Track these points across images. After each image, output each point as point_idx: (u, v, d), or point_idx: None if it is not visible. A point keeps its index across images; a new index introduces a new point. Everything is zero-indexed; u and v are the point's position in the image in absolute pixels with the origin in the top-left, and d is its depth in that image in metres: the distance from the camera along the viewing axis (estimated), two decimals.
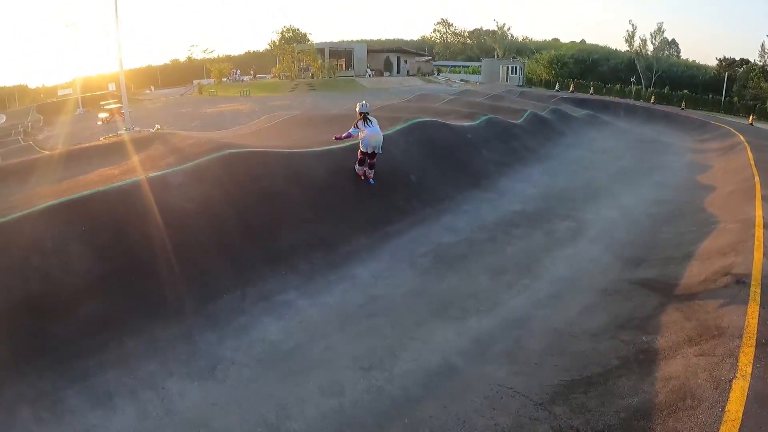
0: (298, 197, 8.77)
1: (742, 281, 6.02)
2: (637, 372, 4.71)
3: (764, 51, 54.07)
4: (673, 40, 69.99)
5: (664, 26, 63.14)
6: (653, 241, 8.71)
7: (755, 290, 5.73)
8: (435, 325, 5.98)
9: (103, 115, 32.22)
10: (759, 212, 8.78)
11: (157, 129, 21.14)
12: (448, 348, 5.55)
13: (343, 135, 9.48)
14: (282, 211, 8.33)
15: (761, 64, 52.84)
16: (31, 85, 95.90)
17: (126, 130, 21.58)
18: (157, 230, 6.83)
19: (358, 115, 9.31)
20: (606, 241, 8.76)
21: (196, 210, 7.54)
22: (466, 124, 15.64)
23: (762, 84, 48.00)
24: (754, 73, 49.92)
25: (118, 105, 31.38)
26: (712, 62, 65.19)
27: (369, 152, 9.35)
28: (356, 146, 9.61)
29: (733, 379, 4.20)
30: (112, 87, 56.30)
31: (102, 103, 39.86)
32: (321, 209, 8.73)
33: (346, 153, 10.38)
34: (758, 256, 6.66)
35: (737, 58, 57.85)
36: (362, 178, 9.80)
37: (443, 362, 5.34)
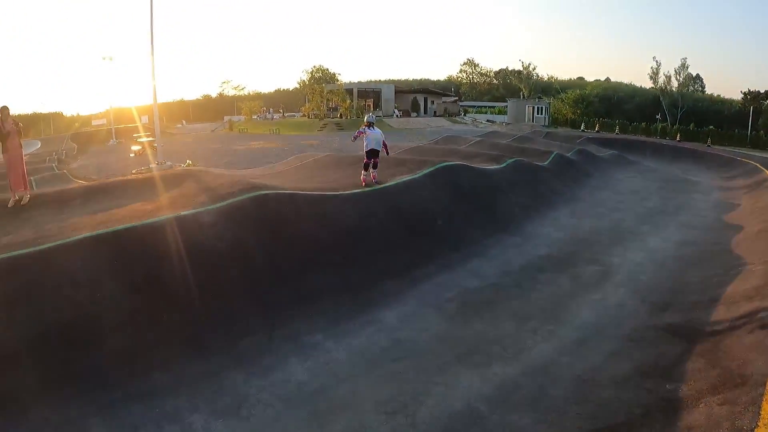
0: (326, 240, 9.08)
1: (767, 326, 6.04)
2: (660, 421, 4.77)
3: None
4: (698, 75, 70.08)
5: (688, 62, 63.01)
6: (679, 284, 8.73)
7: None
8: (459, 370, 6.11)
9: (135, 147, 33.36)
10: None
11: (188, 164, 21.78)
12: (472, 394, 5.67)
13: (356, 133, 12.20)
14: (310, 253, 8.61)
15: None
16: (66, 113, 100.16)
17: (158, 164, 22.27)
18: (188, 267, 7.17)
19: (365, 123, 12.20)
20: (632, 285, 8.82)
21: (226, 249, 7.87)
22: (492, 167, 15.93)
23: None
24: None
25: (151, 139, 32.44)
26: (737, 96, 64.68)
27: (372, 150, 11.84)
28: (385, 195, 10.10)
29: (755, 428, 4.25)
30: (144, 120, 58.26)
31: (135, 135, 41.35)
32: (349, 252, 9.01)
33: (374, 198, 10.75)
34: None
35: (762, 91, 57.27)
36: (364, 184, 11.60)
37: (467, 408, 5.46)
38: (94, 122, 69.11)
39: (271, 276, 7.84)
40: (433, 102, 74.76)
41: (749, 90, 58.79)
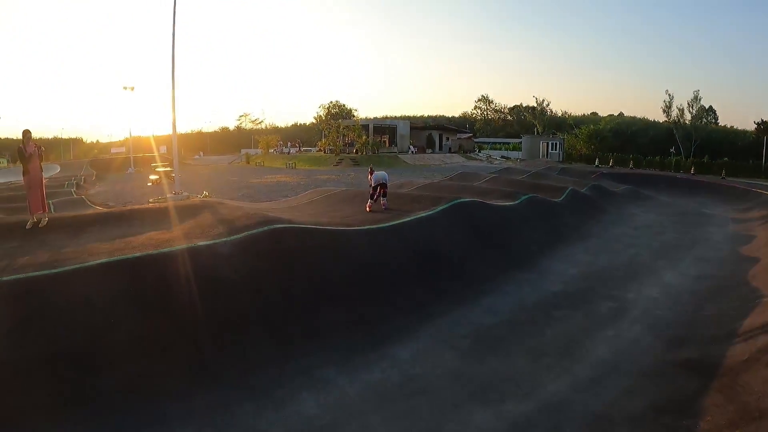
0: (341, 274, 9.20)
1: None
2: None
3: None
4: (710, 107, 69.94)
5: (701, 93, 63.12)
6: (696, 319, 8.68)
7: None
8: (473, 407, 6.11)
9: (153, 177, 34.02)
10: None
11: (205, 195, 22.10)
12: (485, 431, 5.67)
13: (368, 174, 14.95)
14: (325, 287, 8.73)
15: None
16: (86, 139, 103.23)
17: (174, 194, 22.60)
18: (203, 298, 7.30)
19: (371, 169, 15.28)
20: (647, 320, 8.78)
21: (241, 281, 8.01)
22: (507, 203, 16.04)
23: None
24: None
25: (168, 169, 33.06)
26: (751, 126, 64.50)
27: (377, 184, 14.15)
28: (399, 231, 10.86)
29: None
30: (163, 150, 59.38)
31: (153, 165, 42.15)
32: (363, 287, 9.12)
33: (388, 233, 10.92)
34: None
35: None
36: (369, 210, 13.78)
37: None
38: (113, 150, 71.07)
39: (285, 309, 7.95)
40: (447, 138, 75.55)
41: (762, 120, 58.74)
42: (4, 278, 6.83)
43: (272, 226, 9.68)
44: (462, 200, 14.28)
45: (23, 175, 10.89)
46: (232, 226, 9.88)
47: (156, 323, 6.78)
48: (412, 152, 62.65)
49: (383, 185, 14.18)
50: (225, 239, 8.95)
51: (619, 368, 6.98)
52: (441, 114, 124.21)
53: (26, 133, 10.71)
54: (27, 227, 10.57)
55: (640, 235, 16.46)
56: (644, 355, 7.34)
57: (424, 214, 12.53)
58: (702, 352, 7.07)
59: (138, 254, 7.82)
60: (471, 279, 10.52)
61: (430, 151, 67.98)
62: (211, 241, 8.77)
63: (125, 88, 50.85)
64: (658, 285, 10.84)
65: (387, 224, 11.38)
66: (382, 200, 14.10)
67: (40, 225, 10.71)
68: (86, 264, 7.34)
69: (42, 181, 11.03)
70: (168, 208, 12.75)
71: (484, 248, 12.15)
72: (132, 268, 7.47)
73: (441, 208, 13.23)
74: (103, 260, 7.50)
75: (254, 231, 9.38)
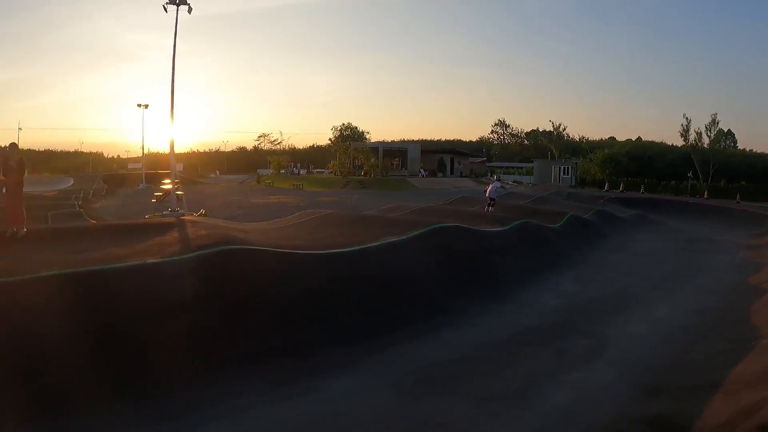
0: (284, 300, 8.53)
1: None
2: None
3: None
4: (729, 130, 68.32)
5: (719, 117, 61.40)
6: (680, 362, 7.60)
7: None
8: None
9: (158, 193, 33.89)
10: None
11: (202, 214, 21.59)
12: None
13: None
14: (269, 310, 8.18)
15: None
16: (107, 154, 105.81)
17: (170, 211, 22.11)
18: (138, 315, 7.08)
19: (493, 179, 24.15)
20: (624, 363, 7.70)
21: (180, 300, 7.55)
22: (494, 229, 15.13)
23: None
24: None
25: (172, 186, 32.91)
26: None
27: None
28: (364, 256, 10.53)
29: None
30: (180, 167, 59.70)
31: (163, 181, 42.12)
32: (307, 314, 8.41)
33: (351, 259, 10.20)
34: None
35: None
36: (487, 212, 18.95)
37: None
38: (130, 165, 72.19)
39: (221, 332, 7.45)
40: (459, 162, 74.79)
41: None
42: None
43: (224, 247, 9.29)
44: (442, 225, 13.39)
45: (5, 188, 11.06)
46: (190, 245, 9.58)
47: (82, 339, 6.47)
48: (422, 175, 61.93)
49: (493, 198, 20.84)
50: (173, 258, 8.64)
51: (574, 420, 5.94)
52: (457, 138, 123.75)
53: (12, 146, 11.08)
54: (8, 236, 10.58)
55: (639, 263, 15.37)
56: (609, 406, 6.27)
57: (395, 240, 11.65)
58: (676, 408, 6.00)
59: (77, 269, 7.67)
60: (434, 309, 9.58)
61: (440, 174, 67.18)
62: (159, 260, 8.52)
63: (139, 105, 51.35)
64: (646, 320, 9.77)
65: (349, 249, 10.53)
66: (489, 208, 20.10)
67: (18, 235, 10.70)
68: (33, 275, 7.20)
69: (20, 194, 11.03)
70: (153, 224, 12.64)
71: (458, 276, 11.19)
72: (69, 282, 7.25)
73: (416, 232, 12.34)
74: (43, 274, 7.29)
75: (205, 251, 8.99)
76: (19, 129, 73.35)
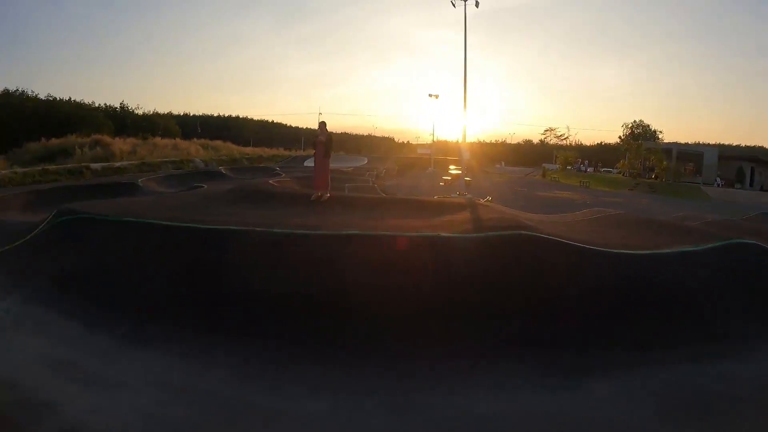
0: (565, 294, 8.19)
1: None
2: None
3: None
4: None
5: None
6: None
7: None
8: None
9: (446, 177, 36.78)
10: None
11: (488, 200, 22.30)
12: None
13: None
14: (546, 302, 8.07)
15: None
16: (397, 139, 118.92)
17: (458, 194, 23.49)
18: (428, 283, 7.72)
19: None
20: None
21: (467, 275, 8.07)
22: None
23: None
24: None
25: (461, 172, 35.13)
26: None
27: None
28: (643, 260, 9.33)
29: None
30: (466, 156, 63.13)
31: (450, 167, 44.92)
32: (583, 311, 8.21)
33: (634, 262, 9.74)
34: None
35: None
36: None
37: None
38: (419, 150, 77.80)
39: (496, 314, 7.61)
40: (760, 173, 61.10)
41: None
42: (276, 230, 8.70)
43: (516, 231, 9.39)
44: (741, 241, 11.59)
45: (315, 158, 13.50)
46: (482, 225, 10.09)
47: (385, 292, 7.41)
48: (719, 185, 53.40)
49: None
50: (466, 235, 9.20)
51: None
52: (759, 145, 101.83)
53: (322, 124, 13.16)
54: (312, 199, 12.95)
55: None
56: None
57: (688, 249, 10.85)
58: None
59: (377, 233, 8.76)
60: (716, 333, 8.50)
61: (738, 186, 56.65)
62: (452, 234, 9.14)
63: (430, 95, 55.27)
64: None
65: (639, 252, 10.20)
66: None
67: (322, 199, 12.93)
68: (331, 232, 8.60)
69: (326, 165, 13.25)
70: (442, 203, 13.63)
71: (750, 302, 9.75)
72: (371, 242, 8.42)
73: (709, 246, 11.08)
74: (351, 232, 8.64)
75: (497, 233, 9.30)
76: (320, 114, 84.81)
